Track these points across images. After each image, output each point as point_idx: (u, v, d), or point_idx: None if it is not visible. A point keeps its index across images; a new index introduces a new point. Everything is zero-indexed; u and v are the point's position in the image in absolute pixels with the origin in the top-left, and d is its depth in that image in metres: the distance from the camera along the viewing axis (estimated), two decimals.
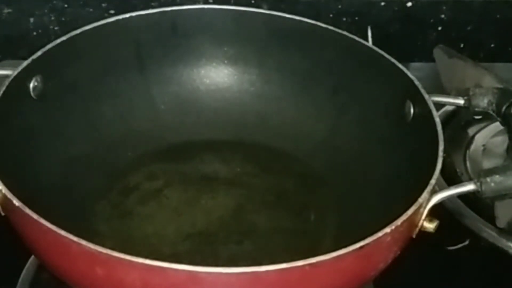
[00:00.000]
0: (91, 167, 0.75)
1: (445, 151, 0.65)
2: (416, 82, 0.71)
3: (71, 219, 0.66)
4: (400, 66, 0.74)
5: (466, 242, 0.75)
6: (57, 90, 0.73)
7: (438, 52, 0.92)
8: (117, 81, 0.79)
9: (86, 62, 0.76)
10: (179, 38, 0.80)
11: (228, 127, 0.81)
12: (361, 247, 0.56)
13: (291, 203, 0.75)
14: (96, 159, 0.76)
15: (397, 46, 0.81)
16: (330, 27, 0.78)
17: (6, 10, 0.93)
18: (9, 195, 0.58)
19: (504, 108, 0.70)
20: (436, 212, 0.62)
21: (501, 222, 0.74)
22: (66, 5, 0.94)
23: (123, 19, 0.77)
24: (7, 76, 0.68)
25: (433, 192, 0.62)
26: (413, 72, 0.73)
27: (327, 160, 0.78)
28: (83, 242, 0.54)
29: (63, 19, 0.94)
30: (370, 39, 0.94)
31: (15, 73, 0.68)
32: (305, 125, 0.81)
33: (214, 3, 0.92)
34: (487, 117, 0.81)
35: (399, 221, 0.58)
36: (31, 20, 0.94)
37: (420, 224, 0.62)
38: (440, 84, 0.87)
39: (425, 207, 0.61)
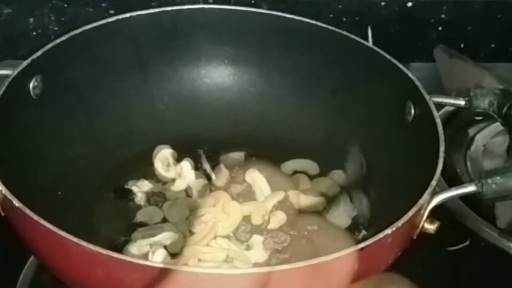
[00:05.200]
0: (91, 167, 0.75)
1: (445, 151, 0.65)
2: (417, 83, 0.71)
3: (71, 220, 0.66)
4: (401, 66, 0.74)
5: (467, 243, 0.75)
6: (57, 90, 0.73)
7: (438, 52, 0.92)
8: (117, 81, 0.79)
9: (86, 62, 0.76)
10: (179, 38, 0.80)
11: (228, 126, 0.81)
12: (362, 248, 0.56)
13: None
14: (96, 159, 0.76)
15: (397, 46, 0.81)
16: (330, 27, 0.78)
17: (6, 10, 0.93)
18: (9, 196, 0.58)
19: (505, 109, 0.70)
20: (437, 212, 0.62)
21: (502, 223, 0.74)
22: (66, 5, 0.93)
23: (123, 19, 0.77)
24: (7, 76, 0.68)
25: (434, 193, 0.62)
26: (413, 72, 0.73)
27: (327, 160, 0.78)
28: (83, 243, 0.54)
29: (63, 19, 0.94)
30: (370, 39, 0.94)
31: (15, 73, 0.68)
32: (305, 125, 0.80)
33: (214, 3, 0.92)
34: (487, 118, 0.81)
35: (400, 223, 0.58)
36: (31, 20, 0.94)
37: (421, 225, 0.62)
38: (440, 84, 0.87)
39: (426, 209, 0.61)
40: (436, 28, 0.99)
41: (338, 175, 0.76)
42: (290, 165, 0.78)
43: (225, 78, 0.83)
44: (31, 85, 0.70)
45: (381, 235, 0.57)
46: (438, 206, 0.62)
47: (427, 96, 0.70)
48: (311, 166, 0.78)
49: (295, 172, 0.77)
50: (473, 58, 0.92)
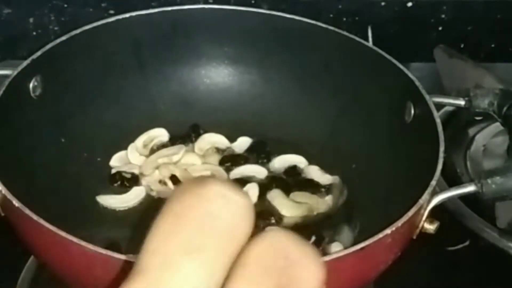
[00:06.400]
0: (91, 167, 0.75)
1: (445, 151, 0.65)
2: (417, 83, 0.71)
3: (71, 220, 0.66)
4: (401, 66, 0.74)
5: (467, 243, 0.75)
6: (57, 90, 0.73)
7: (438, 52, 0.92)
8: (117, 81, 0.79)
9: (86, 62, 0.76)
10: (179, 38, 0.80)
11: (228, 127, 0.81)
12: (362, 248, 0.56)
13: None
14: (95, 159, 0.76)
15: (397, 46, 0.80)
16: (330, 27, 0.78)
17: (6, 10, 0.93)
18: (9, 196, 0.58)
19: (505, 109, 0.70)
20: (437, 212, 0.62)
21: (502, 223, 0.74)
22: (66, 5, 0.93)
23: (123, 19, 0.77)
24: (7, 76, 0.68)
25: (434, 193, 0.62)
26: (413, 72, 0.73)
27: (327, 161, 0.78)
28: (83, 243, 0.54)
29: (63, 19, 0.94)
30: (370, 39, 0.93)
31: (15, 73, 0.68)
32: (305, 125, 0.80)
33: (214, 3, 0.92)
34: (487, 118, 0.81)
35: (399, 222, 0.58)
36: (31, 20, 0.94)
37: (420, 225, 0.62)
38: (440, 84, 0.87)
39: (425, 208, 0.61)
40: (436, 28, 0.99)
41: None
42: (279, 161, 0.78)
43: (225, 78, 0.83)
44: (31, 85, 0.70)
45: (380, 235, 0.57)
46: (438, 206, 0.62)
47: (427, 96, 0.70)
48: (299, 159, 0.78)
49: (287, 167, 0.77)
50: (473, 58, 0.92)
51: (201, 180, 0.28)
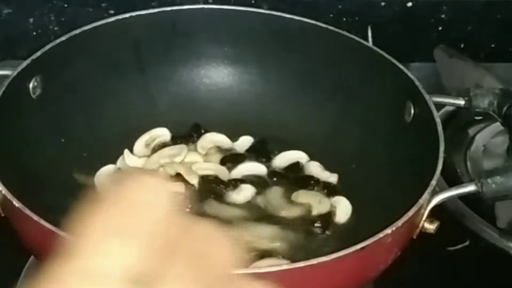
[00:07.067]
0: (91, 167, 0.75)
1: (445, 151, 0.65)
2: (417, 83, 0.71)
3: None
4: (401, 66, 0.74)
5: (467, 243, 0.75)
6: (57, 90, 0.73)
7: (438, 52, 0.92)
8: (117, 81, 0.79)
9: (86, 62, 0.76)
10: (179, 38, 0.80)
11: (228, 127, 0.81)
12: (362, 248, 0.56)
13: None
14: (96, 159, 0.76)
15: (397, 46, 0.80)
16: (330, 27, 0.78)
17: (6, 10, 0.93)
18: (9, 196, 0.58)
19: (505, 109, 0.70)
20: (437, 212, 0.62)
21: (502, 223, 0.74)
22: (66, 5, 0.93)
23: (122, 19, 0.77)
24: (6, 76, 0.68)
25: (434, 193, 0.62)
26: (413, 72, 0.73)
27: (327, 160, 0.78)
28: None
29: (62, 19, 0.94)
30: (370, 39, 0.94)
31: (15, 73, 0.68)
32: (305, 126, 0.80)
33: (214, 3, 0.92)
34: (487, 118, 0.81)
35: (399, 222, 0.58)
36: (31, 20, 0.94)
37: (420, 225, 0.62)
38: (440, 85, 0.87)
39: (425, 208, 0.61)
40: (436, 28, 0.99)
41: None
42: (281, 158, 0.78)
43: (225, 78, 0.83)
44: (31, 85, 0.71)
45: (381, 234, 0.57)
46: (438, 206, 0.62)
47: (427, 96, 0.70)
48: (300, 155, 0.78)
49: (289, 164, 0.78)
50: (473, 58, 0.92)
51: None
